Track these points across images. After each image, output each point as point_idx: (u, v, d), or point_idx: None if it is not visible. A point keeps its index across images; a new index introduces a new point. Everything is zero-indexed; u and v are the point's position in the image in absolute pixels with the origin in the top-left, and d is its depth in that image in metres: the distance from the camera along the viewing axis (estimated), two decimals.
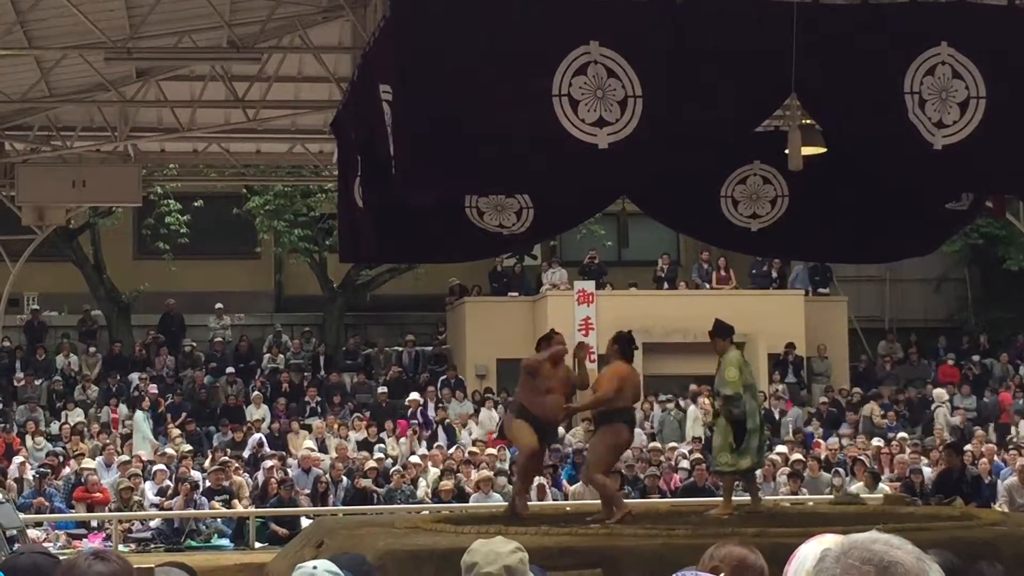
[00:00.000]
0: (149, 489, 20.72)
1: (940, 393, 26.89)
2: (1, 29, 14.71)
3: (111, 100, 17.53)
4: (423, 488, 21.20)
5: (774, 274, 28.94)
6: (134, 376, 26.96)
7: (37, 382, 26.53)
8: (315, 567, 5.00)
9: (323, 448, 23.40)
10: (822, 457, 22.95)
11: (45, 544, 16.69)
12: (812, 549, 2.96)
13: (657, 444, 23.61)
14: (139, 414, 24.61)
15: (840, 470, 22.06)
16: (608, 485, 13.85)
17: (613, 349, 13.67)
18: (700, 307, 27.77)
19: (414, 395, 25.59)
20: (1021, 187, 13.14)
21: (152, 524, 19.97)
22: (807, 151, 11.86)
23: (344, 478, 21.29)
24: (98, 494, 20.39)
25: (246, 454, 23.08)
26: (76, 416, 24.89)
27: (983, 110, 10.73)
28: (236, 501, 20.55)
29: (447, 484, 20.67)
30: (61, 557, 4.58)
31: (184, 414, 25.28)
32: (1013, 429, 26.04)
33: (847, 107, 10.94)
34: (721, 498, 14.77)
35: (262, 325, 30.56)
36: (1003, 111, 10.81)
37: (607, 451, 13.43)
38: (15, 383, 26.20)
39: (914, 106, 10.63)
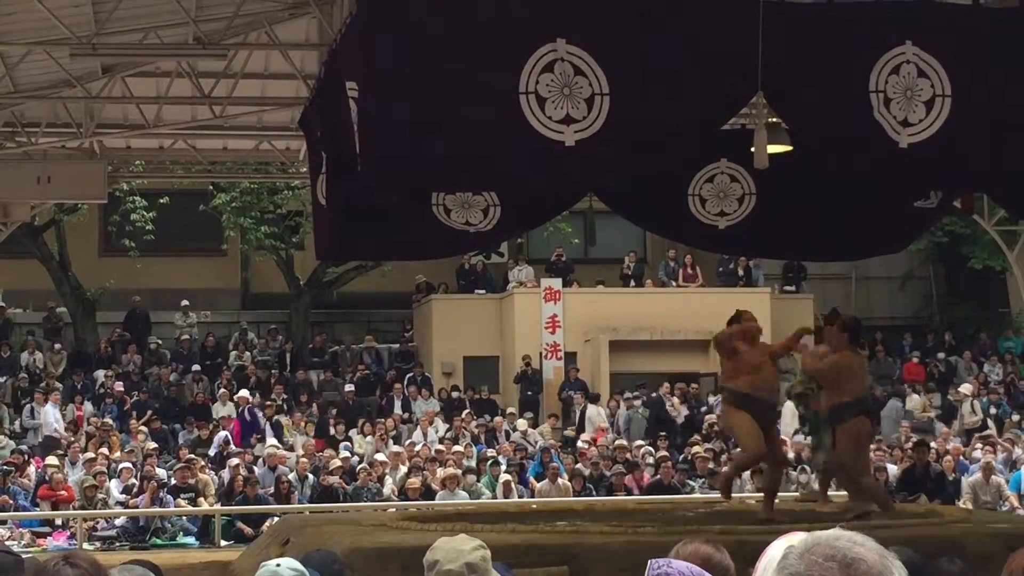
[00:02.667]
0: (114, 487, 20.63)
1: (966, 388, 26.76)
2: None
3: (76, 96, 17.44)
4: (389, 485, 21.18)
5: (740, 272, 28.96)
6: (99, 373, 26.82)
7: (1, 379, 26.35)
8: (278, 565, 4.99)
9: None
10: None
11: (9, 542, 16.59)
12: (781, 548, 2.95)
13: (623, 442, 23.59)
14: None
15: (807, 467, 22.10)
16: (875, 486, 13.73)
17: (842, 338, 13.37)
18: (667, 305, 27.83)
19: (243, 392, 25.25)
20: (987, 185, 13.21)
21: (117, 522, 19.88)
22: (773, 149, 11.87)
23: (310, 475, 21.26)
24: (63, 492, 20.28)
25: (212, 452, 23.00)
26: None
27: (948, 108, 10.76)
28: (202, 499, 20.49)
29: (414, 482, 20.66)
30: (25, 556, 4.55)
31: (150, 411, 25.16)
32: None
33: (812, 105, 10.96)
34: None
35: (228, 322, 30.44)
36: (968, 109, 10.84)
37: (856, 449, 13.24)
38: None
39: (879, 104, 10.65)
